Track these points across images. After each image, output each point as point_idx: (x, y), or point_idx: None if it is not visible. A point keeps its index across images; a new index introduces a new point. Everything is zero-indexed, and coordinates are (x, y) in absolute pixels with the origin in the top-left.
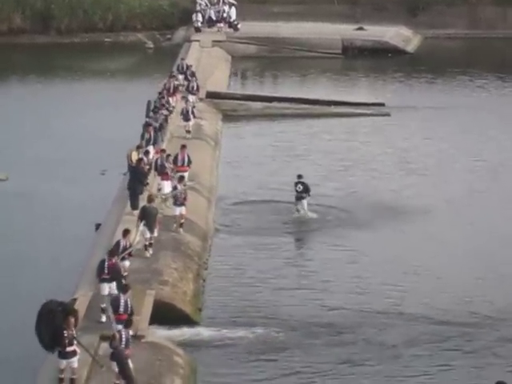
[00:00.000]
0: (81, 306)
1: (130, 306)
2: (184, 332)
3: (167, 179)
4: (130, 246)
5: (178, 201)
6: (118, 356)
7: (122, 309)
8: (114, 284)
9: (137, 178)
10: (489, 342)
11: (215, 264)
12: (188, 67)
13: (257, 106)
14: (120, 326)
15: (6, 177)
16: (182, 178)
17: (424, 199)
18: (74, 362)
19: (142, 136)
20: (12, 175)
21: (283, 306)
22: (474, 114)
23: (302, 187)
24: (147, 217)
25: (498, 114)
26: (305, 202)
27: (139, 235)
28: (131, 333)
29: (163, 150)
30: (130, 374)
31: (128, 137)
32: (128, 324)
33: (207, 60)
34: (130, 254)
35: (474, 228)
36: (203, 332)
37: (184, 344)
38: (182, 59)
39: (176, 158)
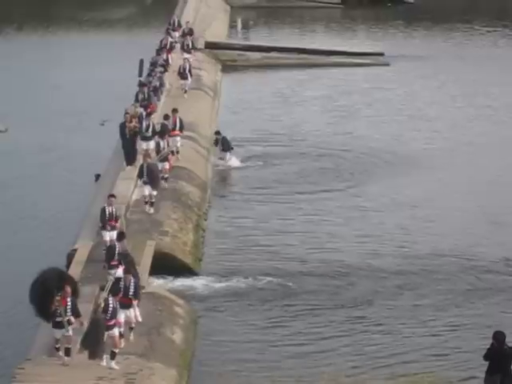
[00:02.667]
0: (81, 256)
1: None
2: (184, 282)
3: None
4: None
5: (162, 156)
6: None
7: (116, 257)
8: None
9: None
10: None
11: (215, 214)
12: (179, 24)
13: (256, 56)
14: (113, 271)
15: (6, 128)
16: (162, 134)
17: (424, 144)
18: (69, 331)
19: (137, 95)
20: (11, 126)
21: (285, 255)
22: (475, 63)
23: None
24: (148, 174)
25: (500, 62)
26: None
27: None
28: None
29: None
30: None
31: (127, 88)
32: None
33: (206, 10)
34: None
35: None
36: (203, 282)
37: (184, 294)
38: (174, 15)
39: (167, 122)
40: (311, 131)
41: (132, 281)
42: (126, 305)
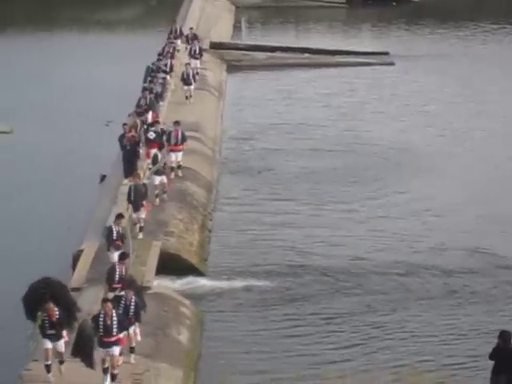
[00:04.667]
0: (87, 257)
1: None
2: (190, 282)
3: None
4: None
5: (158, 170)
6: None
7: (117, 279)
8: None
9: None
10: None
11: (220, 214)
12: (181, 31)
13: (261, 56)
14: (112, 295)
15: (11, 129)
16: (161, 146)
17: (433, 142)
18: (61, 345)
19: (139, 101)
20: (16, 127)
21: (292, 255)
22: (480, 63)
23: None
24: (135, 196)
25: (507, 60)
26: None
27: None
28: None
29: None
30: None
31: (131, 89)
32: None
33: (211, 10)
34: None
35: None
36: (209, 282)
37: (190, 295)
38: (174, 21)
39: (169, 136)
40: (318, 129)
41: (133, 299)
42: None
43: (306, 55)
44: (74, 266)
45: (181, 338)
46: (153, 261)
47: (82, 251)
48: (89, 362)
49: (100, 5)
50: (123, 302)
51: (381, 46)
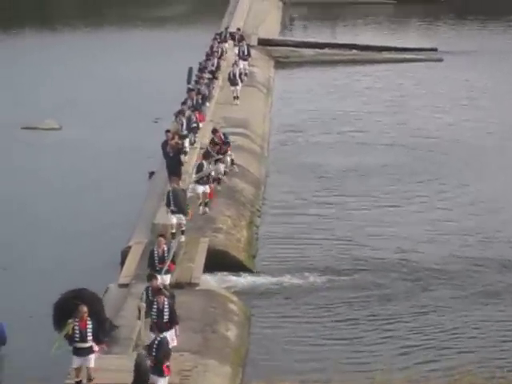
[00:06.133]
0: (135, 254)
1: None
2: (238, 279)
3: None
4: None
5: (202, 180)
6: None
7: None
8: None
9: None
10: None
11: (268, 210)
12: (228, 34)
13: (309, 52)
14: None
15: (60, 126)
16: (207, 155)
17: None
18: (90, 360)
19: (185, 101)
20: (65, 124)
21: (340, 252)
22: None
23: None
24: (174, 200)
25: None
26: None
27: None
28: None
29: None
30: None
31: (180, 86)
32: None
33: (259, 6)
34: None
35: None
36: (257, 279)
37: (238, 291)
38: (227, 28)
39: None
40: (367, 124)
41: (166, 302)
42: (161, 329)
43: (354, 51)
44: (122, 263)
45: (229, 335)
46: (201, 257)
47: (130, 248)
48: None
49: (149, 2)
50: (155, 307)
51: (429, 43)
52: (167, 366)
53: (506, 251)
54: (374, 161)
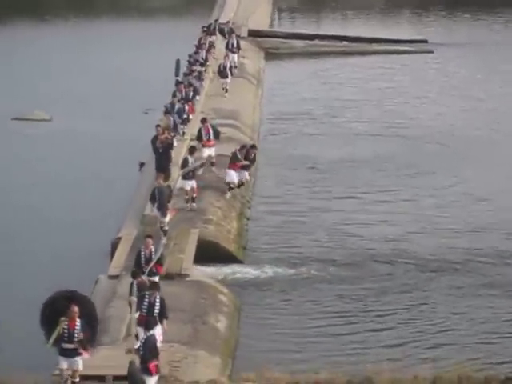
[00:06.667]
0: (125, 245)
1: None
2: (228, 270)
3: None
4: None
5: (188, 175)
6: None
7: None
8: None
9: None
10: None
11: (259, 202)
12: (215, 27)
13: (299, 43)
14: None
15: (50, 117)
16: (192, 149)
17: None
18: (77, 362)
19: (174, 94)
20: (55, 115)
21: (330, 242)
22: None
23: None
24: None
25: None
26: None
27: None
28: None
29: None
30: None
31: (170, 77)
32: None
33: None
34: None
35: None
36: (247, 270)
37: (228, 282)
38: (216, 20)
39: (200, 133)
40: (357, 115)
41: (157, 298)
42: (148, 325)
43: (344, 43)
44: (112, 254)
45: (219, 326)
46: (191, 248)
47: (120, 239)
48: None
49: None
50: (146, 300)
51: (420, 34)
52: (156, 366)
53: (502, 242)
54: (365, 151)
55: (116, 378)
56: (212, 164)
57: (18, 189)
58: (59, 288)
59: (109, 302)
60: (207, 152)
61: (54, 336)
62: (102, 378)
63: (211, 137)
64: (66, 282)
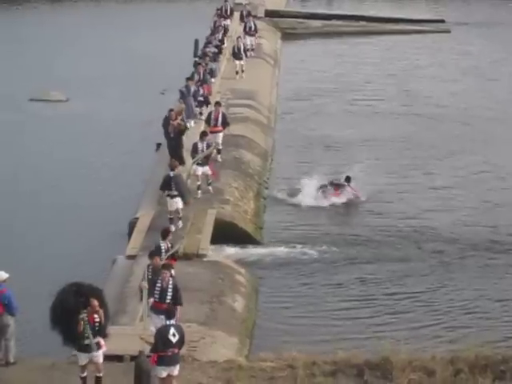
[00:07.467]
0: (142, 225)
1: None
2: (245, 250)
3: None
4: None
5: (197, 160)
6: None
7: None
8: None
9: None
10: None
11: (276, 182)
12: (231, 11)
13: (316, 23)
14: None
15: (67, 98)
16: (204, 134)
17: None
18: (98, 356)
19: (192, 75)
20: (72, 96)
21: (348, 222)
22: None
23: None
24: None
25: None
26: None
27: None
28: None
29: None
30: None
31: (186, 57)
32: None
33: None
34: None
35: None
36: (264, 250)
37: (245, 262)
38: (226, 1)
39: (209, 116)
40: (375, 94)
41: (170, 282)
42: (162, 311)
43: (362, 23)
44: (129, 234)
45: (236, 306)
46: (208, 229)
47: (137, 219)
48: None
49: None
50: (159, 285)
51: (437, 14)
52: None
53: None
54: (383, 131)
55: (133, 358)
56: (218, 152)
57: (34, 169)
58: (60, 286)
59: (126, 283)
60: (211, 139)
61: (89, 335)
62: (120, 357)
63: (219, 123)
64: (85, 263)
